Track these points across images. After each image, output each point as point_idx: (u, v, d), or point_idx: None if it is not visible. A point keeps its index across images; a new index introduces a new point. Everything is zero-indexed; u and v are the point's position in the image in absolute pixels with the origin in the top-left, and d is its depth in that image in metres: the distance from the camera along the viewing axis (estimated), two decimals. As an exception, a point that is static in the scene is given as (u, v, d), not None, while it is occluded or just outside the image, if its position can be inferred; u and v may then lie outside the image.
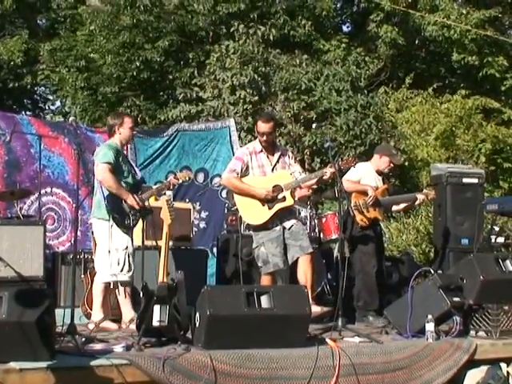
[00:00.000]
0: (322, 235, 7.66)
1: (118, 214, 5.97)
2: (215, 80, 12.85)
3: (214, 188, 9.06)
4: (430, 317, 5.45)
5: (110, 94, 13.43)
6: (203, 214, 9.14)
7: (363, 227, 6.87)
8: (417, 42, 16.24)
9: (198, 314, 5.00)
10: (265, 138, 6.24)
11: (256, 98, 12.69)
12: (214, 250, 8.66)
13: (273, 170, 6.32)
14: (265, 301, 5.03)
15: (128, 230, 6.04)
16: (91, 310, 6.33)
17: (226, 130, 9.48)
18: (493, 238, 8.17)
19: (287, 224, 6.26)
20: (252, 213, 6.23)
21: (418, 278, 6.57)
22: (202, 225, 9.12)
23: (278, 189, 6.20)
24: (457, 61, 15.06)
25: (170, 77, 13.46)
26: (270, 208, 6.18)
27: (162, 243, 5.25)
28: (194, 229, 8.28)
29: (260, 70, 12.89)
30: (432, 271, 6.02)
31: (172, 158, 9.12)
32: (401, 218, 11.81)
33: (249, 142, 11.82)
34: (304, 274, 6.13)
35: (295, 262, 6.23)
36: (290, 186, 6.23)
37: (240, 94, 12.54)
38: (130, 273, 6.07)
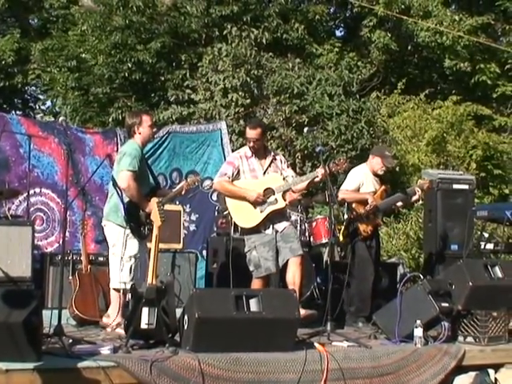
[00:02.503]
0: (311, 239, 7.68)
1: (135, 223, 5.86)
2: (207, 82, 12.85)
3: (205, 191, 9.03)
4: (418, 322, 5.47)
5: (101, 95, 13.34)
6: (193, 217, 9.14)
7: (365, 236, 6.89)
8: (409, 47, 16.25)
9: (186, 317, 5.00)
10: (252, 144, 6.27)
11: (248, 101, 12.68)
12: (204, 252, 8.66)
13: (264, 174, 6.34)
14: (254, 304, 5.04)
15: (142, 239, 5.93)
16: (79, 311, 6.31)
17: (218, 132, 9.48)
18: (482, 244, 8.15)
19: (279, 227, 6.27)
20: (244, 216, 6.24)
21: (408, 283, 6.71)
22: (192, 227, 9.11)
23: (269, 191, 6.21)
24: (449, 67, 15.05)
25: (162, 78, 13.40)
26: (261, 211, 6.20)
27: (151, 245, 5.24)
28: (184, 231, 8.29)
29: (252, 73, 12.88)
30: (421, 276, 6.02)
31: (162, 160, 9.08)
32: (391, 223, 11.84)
33: (240, 145, 11.83)
34: (293, 275, 6.15)
35: (285, 265, 6.24)
36: (282, 189, 6.24)
37: (232, 97, 12.54)
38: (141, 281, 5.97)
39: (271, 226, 6.24)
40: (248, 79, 12.71)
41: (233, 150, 9.54)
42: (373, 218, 6.93)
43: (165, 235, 6.46)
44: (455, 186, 8.52)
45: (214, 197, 9.09)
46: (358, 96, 13.44)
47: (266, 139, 6.56)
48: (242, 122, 12.35)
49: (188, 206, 9.01)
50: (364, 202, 6.92)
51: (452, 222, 8.39)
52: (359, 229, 6.88)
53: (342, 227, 7.07)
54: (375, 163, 7.07)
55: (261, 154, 6.35)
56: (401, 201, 7.23)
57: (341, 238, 7.00)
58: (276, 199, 6.21)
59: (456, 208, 8.40)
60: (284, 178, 6.33)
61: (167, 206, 6.12)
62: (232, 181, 6.30)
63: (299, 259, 6.19)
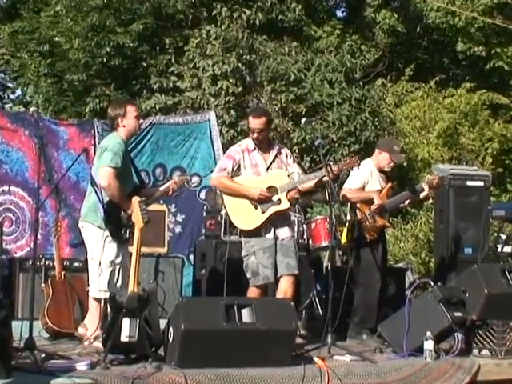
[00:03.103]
0: (310, 242, 7.68)
1: (115, 225, 5.86)
2: (194, 68, 12.79)
3: (192, 188, 8.97)
4: (428, 334, 5.49)
5: (77, 83, 13.27)
6: (179, 217, 9.09)
7: (371, 239, 6.92)
8: (418, 29, 16.22)
9: (171, 329, 5.01)
10: (255, 135, 6.26)
11: (240, 89, 12.65)
12: (191, 257, 8.64)
13: (268, 170, 6.33)
14: (246, 315, 5.06)
15: (123, 243, 5.94)
16: (52, 322, 6.30)
17: (206, 124, 9.43)
18: (499, 247, 8.22)
19: (281, 233, 6.27)
20: (243, 217, 6.24)
21: (417, 290, 6.66)
22: (178, 229, 9.07)
23: (272, 190, 6.21)
24: (462, 51, 15.05)
25: (144, 64, 13.34)
26: (263, 212, 6.19)
27: (132, 249, 5.24)
28: (169, 233, 8.26)
29: (244, 58, 12.83)
30: (432, 283, 6.05)
31: (145, 155, 9.03)
32: (398, 224, 11.83)
33: (231, 137, 12.01)
34: (284, 294, 6.13)
35: (277, 280, 6.25)
36: (286, 188, 6.23)
37: (222, 85, 12.49)
38: (123, 290, 5.90)
39: (272, 230, 6.24)
40: (240, 65, 12.66)
41: (223, 144, 9.66)
42: (379, 219, 6.96)
43: (147, 238, 6.48)
44: (469, 183, 8.52)
45: (203, 195, 9.09)
46: (361, 83, 13.40)
47: (269, 131, 6.56)
48: (232, 112, 12.39)
49: (173, 205, 8.97)
50: (369, 202, 6.94)
51: (465, 223, 8.40)
52: (364, 231, 6.90)
53: (344, 229, 7.07)
54: (382, 159, 7.08)
55: (264, 148, 6.36)
56: (408, 199, 7.23)
57: (343, 241, 6.99)
58: (280, 199, 6.20)
59: (470, 207, 8.42)
60: (289, 176, 6.32)
61: (151, 206, 6.06)
62: (231, 177, 6.29)
63: (293, 278, 6.23)
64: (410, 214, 11.97)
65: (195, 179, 9.01)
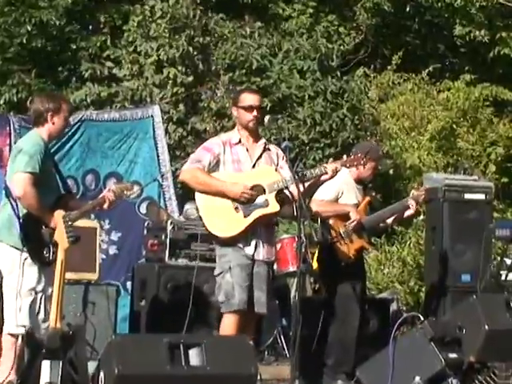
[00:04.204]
0: (275, 267, 7.43)
1: (35, 243, 5.78)
2: (135, 53, 12.76)
3: (130, 200, 8.83)
4: (417, 379, 5.54)
5: (-11, 68, 13.27)
6: (114, 236, 9.12)
7: (348, 263, 6.93)
8: (408, 8, 16.26)
9: (102, 373, 4.95)
10: (255, 113, 6.21)
11: (190, 78, 12.61)
12: (128, 284, 8.63)
13: (254, 167, 6.30)
14: (195, 356, 5.02)
15: (45, 265, 5.85)
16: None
17: (149, 120, 9.48)
18: (503, 273, 8.21)
19: (260, 251, 6.19)
20: (220, 221, 6.17)
21: (403, 326, 6.77)
22: (113, 250, 9.10)
23: (258, 189, 6.14)
24: (460, 36, 15.08)
25: (74, 47, 13.16)
26: (246, 215, 6.12)
27: (55, 275, 5.24)
28: (102, 255, 8.31)
29: (196, 41, 12.81)
30: (421, 317, 6.09)
31: (73, 159, 9.06)
32: (382, 245, 11.75)
33: (180, 138, 12.09)
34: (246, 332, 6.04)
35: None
36: (276, 187, 6.13)
37: (169, 73, 12.46)
38: (46, 324, 5.84)
39: (253, 244, 6.16)
40: (191, 49, 12.63)
41: (169, 146, 9.84)
42: (356, 239, 6.97)
43: (74, 261, 6.40)
44: (467, 196, 8.52)
45: (143, 209, 9.10)
46: (338, 73, 13.42)
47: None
48: (181, 106, 12.36)
49: (107, 221, 8.99)
50: (344, 218, 6.96)
51: (463, 244, 8.42)
52: (338, 253, 6.91)
53: (316, 251, 7.11)
54: (366, 168, 7.07)
55: (252, 140, 6.34)
56: (391, 216, 7.31)
57: (314, 266, 6.98)
58: (267, 200, 6.11)
59: (468, 225, 8.42)
60: (278, 171, 6.25)
61: (78, 222, 5.99)
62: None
63: (259, 317, 6.27)
64: (397, 234, 11.87)
65: (135, 188, 8.47)
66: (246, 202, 6.10)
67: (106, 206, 6.12)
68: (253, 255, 6.14)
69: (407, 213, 7.32)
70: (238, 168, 6.26)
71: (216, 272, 6.22)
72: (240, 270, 6.10)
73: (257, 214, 6.09)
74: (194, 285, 7.12)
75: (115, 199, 6.15)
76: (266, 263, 6.21)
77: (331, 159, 6.26)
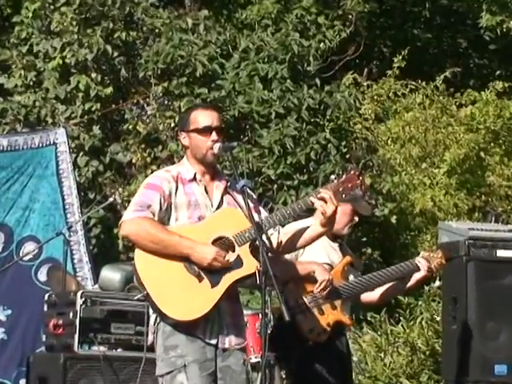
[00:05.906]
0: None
1: None
2: (30, 54, 12.42)
3: (24, 263, 8.99)
4: None
5: None
6: (1, 315, 9.11)
7: (317, 344, 6.64)
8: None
9: None
10: (214, 136, 5.69)
11: (109, 90, 12.08)
12: (22, 383, 8.68)
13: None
14: None
15: None
16: None
17: (50, 150, 9.45)
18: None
19: (226, 338, 5.64)
20: (179, 295, 5.56)
21: None
22: (0, 335, 9.07)
23: (223, 244, 5.61)
24: (489, 27, 15.00)
25: None
26: (213, 285, 5.58)
27: None
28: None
29: (117, 38, 12.38)
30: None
31: None
32: (381, 324, 10.97)
33: (94, 173, 11.64)
34: None
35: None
36: (247, 237, 5.57)
37: (78, 83, 12.01)
38: None
39: (217, 325, 5.63)
40: (109, 48, 12.18)
41: (79, 185, 9.77)
42: (329, 311, 6.68)
43: None
44: (501, 254, 8.14)
45: (43, 275, 9.06)
46: (318, 81, 12.82)
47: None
48: (96, 129, 11.85)
49: (-8, 293, 8.80)
50: (310, 281, 6.65)
51: (496, 322, 8.07)
52: (302, 329, 6.66)
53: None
54: (341, 215, 6.65)
55: (209, 177, 5.82)
56: (389, 281, 6.95)
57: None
58: (239, 257, 5.57)
59: (503, 294, 8.09)
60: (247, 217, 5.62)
61: None
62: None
63: None
64: (403, 307, 11.13)
65: (31, 247, 9.01)
66: (217, 268, 5.58)
67: None
68: (216, 344, 5.64)
69: (416, 276, 6.83)
70: (194, 216, 5.76)
71: (161, 371, 5.62)
72: (198, 368, 5.61)
73: (229, 280, 5.60)
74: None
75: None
76: (237, 351, 5.74)
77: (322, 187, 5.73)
